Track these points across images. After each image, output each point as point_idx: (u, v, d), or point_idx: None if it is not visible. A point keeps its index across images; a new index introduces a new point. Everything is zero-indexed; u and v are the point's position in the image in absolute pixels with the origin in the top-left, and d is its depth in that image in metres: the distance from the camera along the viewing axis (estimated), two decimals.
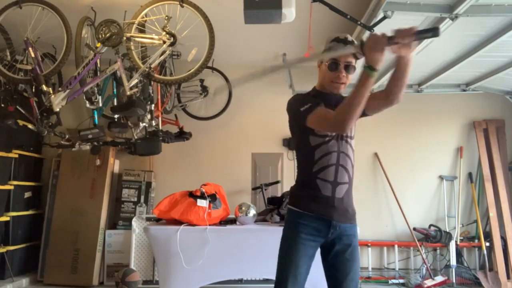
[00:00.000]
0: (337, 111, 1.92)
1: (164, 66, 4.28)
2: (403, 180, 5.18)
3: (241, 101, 5.16)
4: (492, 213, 4.97)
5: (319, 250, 2.08)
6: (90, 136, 4.05)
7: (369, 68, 1.81)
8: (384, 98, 2.09)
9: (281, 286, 1.98)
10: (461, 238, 5.09)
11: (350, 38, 2.06)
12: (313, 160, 2.03)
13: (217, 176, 4.65)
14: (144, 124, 4.26)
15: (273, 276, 2.04)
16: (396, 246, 5.06)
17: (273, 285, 2.01)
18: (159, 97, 4.46)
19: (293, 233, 2.04)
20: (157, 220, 3.87)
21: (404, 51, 1.83)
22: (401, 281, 4.91)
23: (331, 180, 2.02)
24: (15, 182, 4.52)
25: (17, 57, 4.02)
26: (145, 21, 3.60)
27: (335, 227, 2.02)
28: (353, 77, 2.11)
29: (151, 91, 4.11)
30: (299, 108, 2.01)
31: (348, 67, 2.06)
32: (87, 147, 4.20)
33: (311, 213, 2.03)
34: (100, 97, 4.13)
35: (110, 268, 4.77)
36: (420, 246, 4.94)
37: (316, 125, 1.99)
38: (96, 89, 4.08)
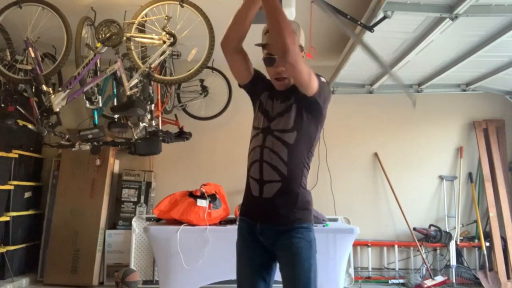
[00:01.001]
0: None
1: (164, 66, 4.28)
2: (403, 180, 5.18)
3: (241, 101, 5.13)
4: (492, 213, 4.97)
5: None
6: (90, 136, 4.05)
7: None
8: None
9: None
10: (461, 238, 5.09)
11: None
12: (248, 154, 1.91)
13: (217, 176, 4.65)
14: (144, 124, 4.26)
15: None
16: (396, 246, 5.06)
17: (273, 285, 1.99)
18: (159, 97, 4.46)
19: (237, 240, 1.96)
20: (157, 220, 3.88)
21: None
22: (401, 281, 4.91)
23: (257, 178, 1.84)
24: (15, 182, 4.52)
25: (17, 57, 4.02)
26: (145, 21, 3.60)
27: (262, 232, 1.85)
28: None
29: (151, 91, 4.11)
30: None
31: (268, 60, 1.88)
32: (87, 147, 4.19)
33: (242, 216, 1.93)
34: (100, 97, 4.13)
35: (110, 268, 4.77)
36: (420, 246, 4.94)
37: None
38: (96, 89, 4.08)
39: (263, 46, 1.90)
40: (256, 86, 1.98)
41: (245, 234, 1.92)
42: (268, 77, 1.96)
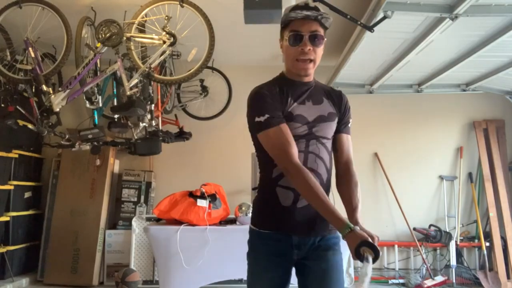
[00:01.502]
0: (294, 165, 1.55)
1: (164, 66, 4.28)
2: (403, 180, 5.18)
3: (241, 101, 5.12)
4: (492, 213, 4.97)
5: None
6: (90, 136, 4.05)
7: (345, 230, 1.47)
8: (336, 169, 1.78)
9: None
10: (461, 238, 5.09)
11: (311, 3, 1.68)
12: (273, 163, 1.64)
13: (217, 176, 4.65)
14: (144, 124, 4.26)
15: None
16: (396, 246, 5.06)
17: None
18: (159, 97, 4.46)
19: (254, 258, 1.72)
20: (157, 220, 3.87)
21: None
22: (401, 281, 4.91)
23: (293, 186, 1.61)
24: (15, 182, 4.51)
25: (17, 57, 4.02)
26: (145, 21, 3.60)
27: (299, 245, 1.65)
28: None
29: (151, 91, 4.11)
30: (255, 116, 1.65)
31: (315, 38, 1.64)
32: (87, 147, 4.20)
33: (269, 230, 1.67)
34: (100, 97, 4.14)
35: (110, 268, 4.77)
36: (420, 246, 4.94)
37: (265, 146, 1.64)
38: (96, 89, 4.08)
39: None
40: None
41: (269, 251, 1.67)
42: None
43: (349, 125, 1.81)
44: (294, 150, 1.59)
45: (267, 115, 1.62)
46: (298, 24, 1.64)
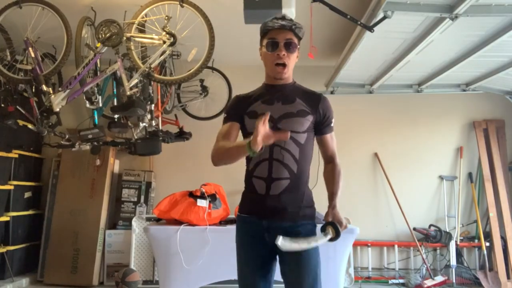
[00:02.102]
0: (214, 148, 1.96)
1: (164, 66, 4.28)
2: (403, 180, 5.18)
3: None
4: (492, 213, 4.97)
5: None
6: (90, 136, 4.04)
7: (251, 150, 1.67)
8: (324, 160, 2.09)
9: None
10: (461, 238, 5.09)
11: (288, 16, 1.94)
12: (249, 158, 1.94)
13: (217, 176, 4.64)
14: (144, 124, 4.26)
15: None
16: (396, 246, 5.06)
17: (274, 285, 1.99)
18: (159, 97, 4.46)
19: (237, 239, 2.02)
20: (157, 220, 3.87)
21: None
22: (401, 281, 4.91)
23: (264, 176, 1.88)
24: (15, 182, 4.52)
25: (17, 57, 4.02)
26: (145, 21, 3.60)
27: (269, 229, 1.86)
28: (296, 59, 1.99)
29: (151, 91, 4.11)
30: (224, 114, 2.04)
31: (289, 45, 1.89)
32: (87, 147, 4.19)
33: (245, 214, 1.96)
34: (100, 97, 4.13)
35: (110, 268, 4.77)
36: (420, 246, 4.94)
37: None
38: (96, 89, 4.08)
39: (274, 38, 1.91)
40: (241, 119, 1.99)
41: (246, 232, 1.96)
42: None
43: (331, 125, 2.01)
44: (224, 140, 1.93)
45: (225, 115, 2.01)
46: (275, 33, 1.91)
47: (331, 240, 1.78)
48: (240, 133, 2.01)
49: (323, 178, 2.04)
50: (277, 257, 1.92)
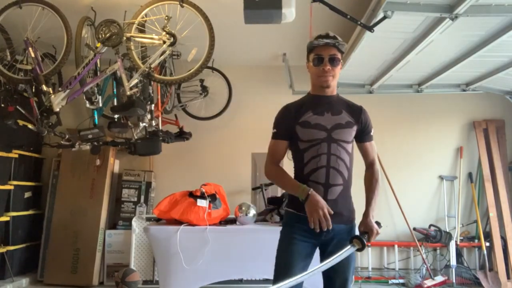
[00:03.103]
0: (270, 168, 2.18)
1: (164, 66, 4.28)
2: (403, 180, 5.17)
3: (241, 101, 5.16)
4: (492, 213, 4.97)
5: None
6: (90, 136, 4.05)
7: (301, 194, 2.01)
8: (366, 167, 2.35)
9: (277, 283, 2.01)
10: (461, 238, 5.09)
11: (332, 33, 2.13)
12: (303, 163, 2.12)
13: (217, 176, 4.65)
14: (144, 124, 4.26)
15: (272, 276, 2.05)
16: (396, 246, 5.06)
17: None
18: (159, 97, 4.46)
19: (287, 234, 2.13)
20: (157, 220, 3.88)
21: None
22: (401, 281, 4.91)
23: (322, 182, 2.08)
24: (15, 182, 4.51)
25: (17, 57, 4.02)
26: (145, 21, 3.60)
27: (327, 229, 2.01)
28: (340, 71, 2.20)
29: (151, 91, 4.11)
30: (273, 127, 2.22)
31: (333, 60, 2.11)
32: (87, 147, 4.20)
33: (304, 214, 2.04)
34: (100, 97, 4.13)
35: (110, 268, 4.77)
36: (420, 246, 4.94)
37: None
38: (96, 89, 4.08)
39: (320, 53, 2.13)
40: (292, 133, 2.17)
41: (302, 231, 2.08)
42: None
43: (371, 133, 2.30)
44: (275, 160, 2.18)
45: (275, 129, 2.20)
46: (320, 49, 2.12)
47: (358, 250, 1.97)
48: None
49: (364, 183, 2.28)
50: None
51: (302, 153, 2.11)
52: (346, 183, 2.14)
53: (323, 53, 2.10)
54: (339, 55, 2.13)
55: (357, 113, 2.21)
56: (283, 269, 2.05)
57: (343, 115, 2.16)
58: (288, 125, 2.14)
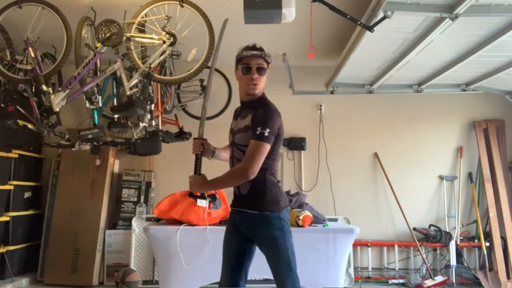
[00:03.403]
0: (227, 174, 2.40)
1: (164, 66, 4.27)
2: (403, 180, 5.18)
3: None
4: (492, 213, 4.97)
5: None
6: (90, 136, 4.05)
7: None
8: None
9: (296, 275, 2.17)
10: (461, 238, 5.09)
11: (258, 45, 2.32)
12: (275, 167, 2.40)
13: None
14: (144, 124, 4.26)
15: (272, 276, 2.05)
16: (396, 246, 5.06)
17: (273, 285, 2.04)
18: (159, 97, 4.46)
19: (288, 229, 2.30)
20: (157, 220, 3.87)
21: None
22: (401, 281, 4.91)
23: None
24: (15, 182, 4.51)
25: (17, 57, 4.02)
26: (145, 21, 3.60)
27: (233, 214, 2.38)
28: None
29: (151, 91, 4.11)
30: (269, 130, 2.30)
31: (260, 69, 2.28)
32: (87, 147, 4.19)
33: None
34: (100, 97, 4.13)
35: (110, 268, 4.77)
36: (420, 246, 4.94)
37: None
38: (96, 89, 4.08)
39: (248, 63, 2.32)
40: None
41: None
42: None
43: (256, 132, 2.21)
44: None
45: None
46: (248, 59, 2.31)
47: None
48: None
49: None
50: None
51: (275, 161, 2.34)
52: (255, 181, 2.23)
53: (251, 63, 2.28)
54: (265, 65, 2.30)
55: (253, 113, 2.28)
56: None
57: (247, 119, 2.28)
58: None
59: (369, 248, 5.03)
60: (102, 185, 4.84)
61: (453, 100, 5.22)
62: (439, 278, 4.79)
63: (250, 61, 2.28)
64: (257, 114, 2.24)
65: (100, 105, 4.19)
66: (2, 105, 4.02)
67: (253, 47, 2.31)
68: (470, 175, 5.25)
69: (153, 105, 4.18)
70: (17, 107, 4.02)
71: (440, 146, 5.29)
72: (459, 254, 4.99)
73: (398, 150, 5.25)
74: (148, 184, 5.04)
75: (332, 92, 4.86)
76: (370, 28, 2.93)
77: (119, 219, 4.94)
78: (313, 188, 5.15)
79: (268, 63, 2.32)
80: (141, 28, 3.61)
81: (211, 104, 5.11)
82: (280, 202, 2.27)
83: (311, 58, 3.26)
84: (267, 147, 2.19)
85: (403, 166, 5.22)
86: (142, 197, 5.00)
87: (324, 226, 3.76)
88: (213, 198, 3.65)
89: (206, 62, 3.48)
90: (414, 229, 4.95)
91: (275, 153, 2.30)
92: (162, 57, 3.68)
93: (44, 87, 3.75)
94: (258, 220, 2.22)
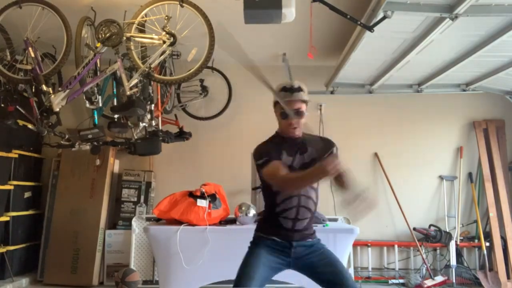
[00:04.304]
0: (284, 177, 2.10)
1: (164, 66, 4.27)
2: (403, 180, 5.18)
3: (241, 101, 5.16)
4: (492, 213, 4.97)
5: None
6: (90, 136, 4.05)
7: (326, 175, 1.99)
8: None
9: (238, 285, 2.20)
10: (461, 238, 5.09)
11: (296, 85, 2.23)
12: (276, 203, 2.23)
13: (217, 176, 4.65)
14: (144, 124, 4.26)
15: None
16: (396, 246, 5.06)
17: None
18: (159, 97, 4.46)
19: (253, 249, 2.29)
20: (157, 220, 3.88)
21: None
22: (401, 281, 4.91)
23: (292, 217, 2.21)
24: (15, 182, 4.51)
25: (17, 57, 4.02)
26: (145, 21, 3.60)
27: (295, 247, 2.22)
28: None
29: (151, 91, 4.11)
30: (257, 161, 2.22)
31: (298, 113, 2.21)
32: (87, 147, 4.19)
33: (271, 236, 2.24)
34: (100, 97, 4.13)
35: (110, 268, 4.77)
36: (420, 246, 4.94)
37: (267, 179, 2.16)
38: (96, 89, 4.07)
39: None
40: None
41: (271, 249, 2.25)
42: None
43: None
44: (281, 171, 2.10)
45: (265, 158, 2.17)
46: (286, 104, 2.18)
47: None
48: None
49: None
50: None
51: (275, 194, 2.21)
52: (312, 214, 2.29)
53: (289, 107, 2.19)
54: (303, 107, 2.22)
55: (326, 146, 2.29)
56: (243, 275, 2.23)
57: (309, 152, 2.24)
58: (277, 153, 2.19)
59: (369, 248, 5.03)
60: (102, 185, 4.84)
61: (453, 100, 5.22)
62: (439, 278, 4.79)
63: (289, 105, 2.19)
64: (333, 148, 2.29)
65: (100, 105, 4.18)
66: (2, 105, 4.02)
67: (291, 89, 2.22)
68: (470, 175, 5.25)
69: (153, 105, 4.18)
70: (17, 107, 4.02)
71: (440, 146, 5.29)
72: (459, 254, 4.99)
73: (398, 150, 5.25)
74: (148, 184, 5.04)
75: (332, 92, 4.86)
76: (370, 28, 2.93)
77: (119, 219, 4.94)
78: None
79: (306, 102, 2.25)
80: (141, 28, 3.61)
81: (211, 104, 5.13)
82: None
83: (311, 58, 3.26)
84: None
85: (403, 166, 5.22)
86: (142, 197, 5.00)
87: (324, 226, 3.76)
88: (213, 198, 3.66)
89: (206, 62, 3.48)
90: (414, 229, 4.95)
91: None
92: (162, 57, 3.67)
93: (44, 87, 3.75)
94: None
